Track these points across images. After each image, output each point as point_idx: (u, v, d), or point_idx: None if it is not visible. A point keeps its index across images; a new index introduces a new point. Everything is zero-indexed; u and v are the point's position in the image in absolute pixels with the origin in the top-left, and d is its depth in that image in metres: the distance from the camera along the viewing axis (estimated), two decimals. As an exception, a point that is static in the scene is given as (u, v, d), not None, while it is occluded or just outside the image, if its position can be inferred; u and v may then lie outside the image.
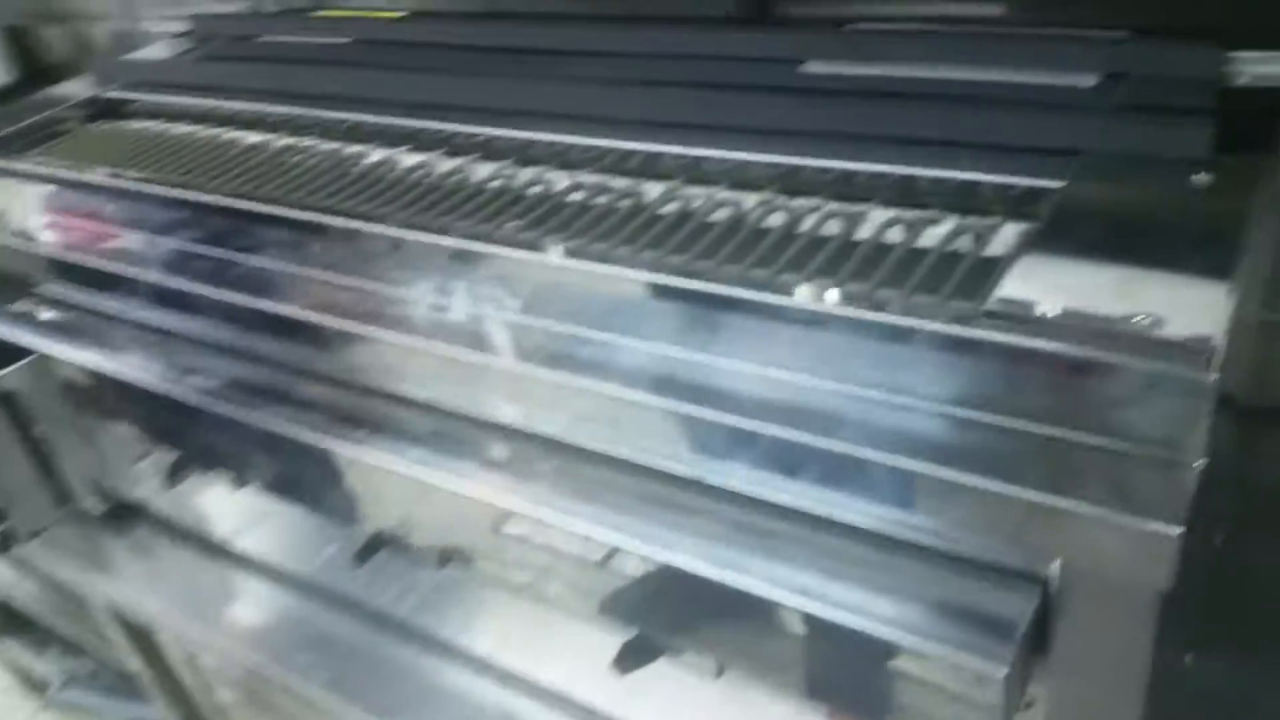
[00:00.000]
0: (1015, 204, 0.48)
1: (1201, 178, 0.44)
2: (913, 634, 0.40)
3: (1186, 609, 0.44)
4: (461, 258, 0.53)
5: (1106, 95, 0.51)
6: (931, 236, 0.49)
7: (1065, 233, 0.43)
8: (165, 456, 0.80)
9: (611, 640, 0.54)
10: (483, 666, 0.69)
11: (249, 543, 0.83)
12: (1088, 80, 0.52)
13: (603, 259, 0.50)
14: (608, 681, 0.53)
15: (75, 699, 1.37)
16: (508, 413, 0.53)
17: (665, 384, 0.46)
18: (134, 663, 1.05)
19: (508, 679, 0.68)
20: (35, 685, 1.53)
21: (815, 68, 0.61)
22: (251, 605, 0.82)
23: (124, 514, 0.91)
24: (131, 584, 0.88)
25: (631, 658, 0.53)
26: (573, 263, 0.50)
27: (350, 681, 0.72)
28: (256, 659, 0.77)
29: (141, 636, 1.01)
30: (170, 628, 0.89)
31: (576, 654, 0.62)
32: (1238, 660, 0.50)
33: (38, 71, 1.36)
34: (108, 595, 0.93)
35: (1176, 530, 0.35)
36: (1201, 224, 0.42)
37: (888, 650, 0.40)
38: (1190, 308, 0.38)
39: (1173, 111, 0.48)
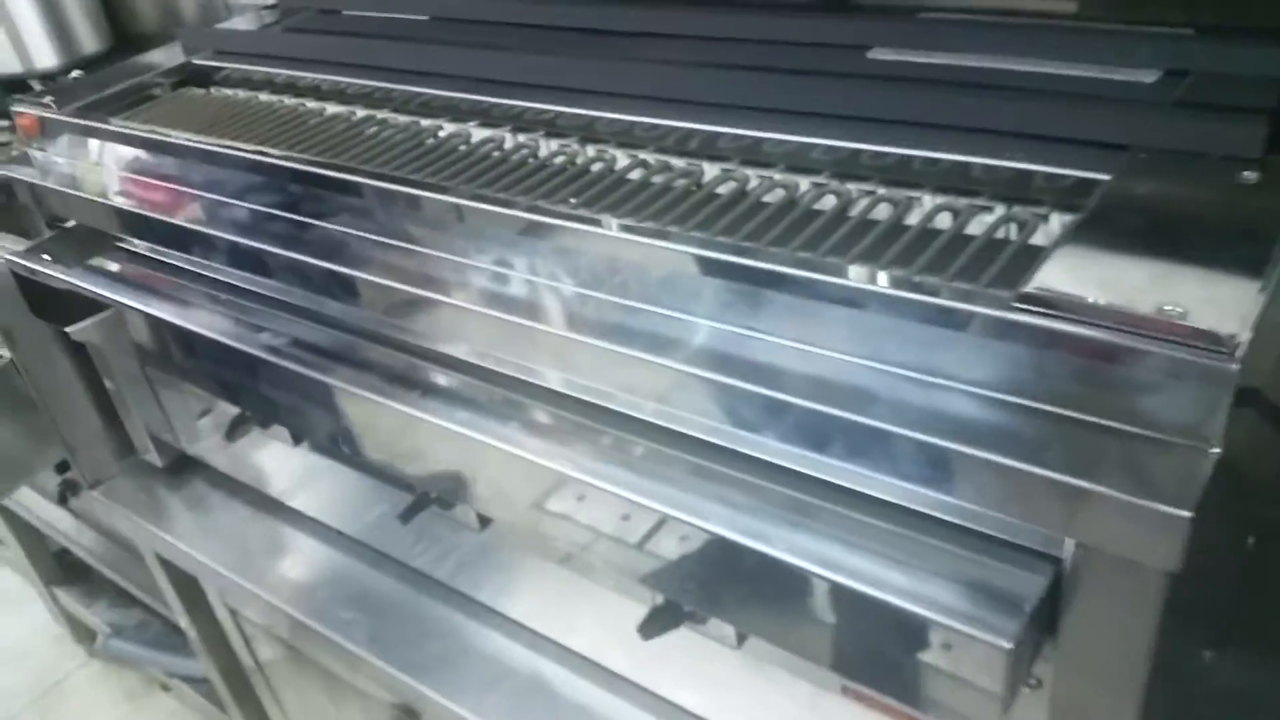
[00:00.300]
0: (1065, 195, 0.51)
1: (1249, 176, 0.47)
2: (923, 604, 0.43)
3: (1213, 606, 0.47)
4: (523, 230, 0.59)
5: (1166, 91, 0.54)
6: (980, 224, 0.53)
7: (1108, 224, 0.47)
8: (227, 411, 0.88)
9: (637, 607, 0.59)
10: (515, 629, 0.75)
11: (300, 500, 0.91)
12: (1149, 76, 0.56)
13: (656, 235, 0.55)
14: (631, 648, 0.58)
15: (121, 650, 1.47)
16: (555, 379, 0.58)
17: (703, 356, 0.50)
18: (181, 616, 1.14)
19: (537, 642, 0.74)
20: (84, 635, 1.65)
21: (881, 54, 0.65)
22: (297, 561, 0.89)
23: (183, 468, 1.00)
24: (183, 536, 0.95)
25: (656, 624, 0.58)
26: (626, 237, 0.56)
27: (387, 639, 0.78)
28: (299, 614, 0.84)
29: (190, 589, 1.10)
30: (216, 581, 0.97)
31: (604, 619, 0.67)
32: (1267, 662, 0.52)
33: (127, 40, 1.49)
34: (159, 546, 1.01)
35: (1186, 514, 0.38)
36: (1243, 221, 0.45)
37: (899, 620, 0.44)
38: (1221, 301, 0.41)
39: (1229, 109, 0.51)
